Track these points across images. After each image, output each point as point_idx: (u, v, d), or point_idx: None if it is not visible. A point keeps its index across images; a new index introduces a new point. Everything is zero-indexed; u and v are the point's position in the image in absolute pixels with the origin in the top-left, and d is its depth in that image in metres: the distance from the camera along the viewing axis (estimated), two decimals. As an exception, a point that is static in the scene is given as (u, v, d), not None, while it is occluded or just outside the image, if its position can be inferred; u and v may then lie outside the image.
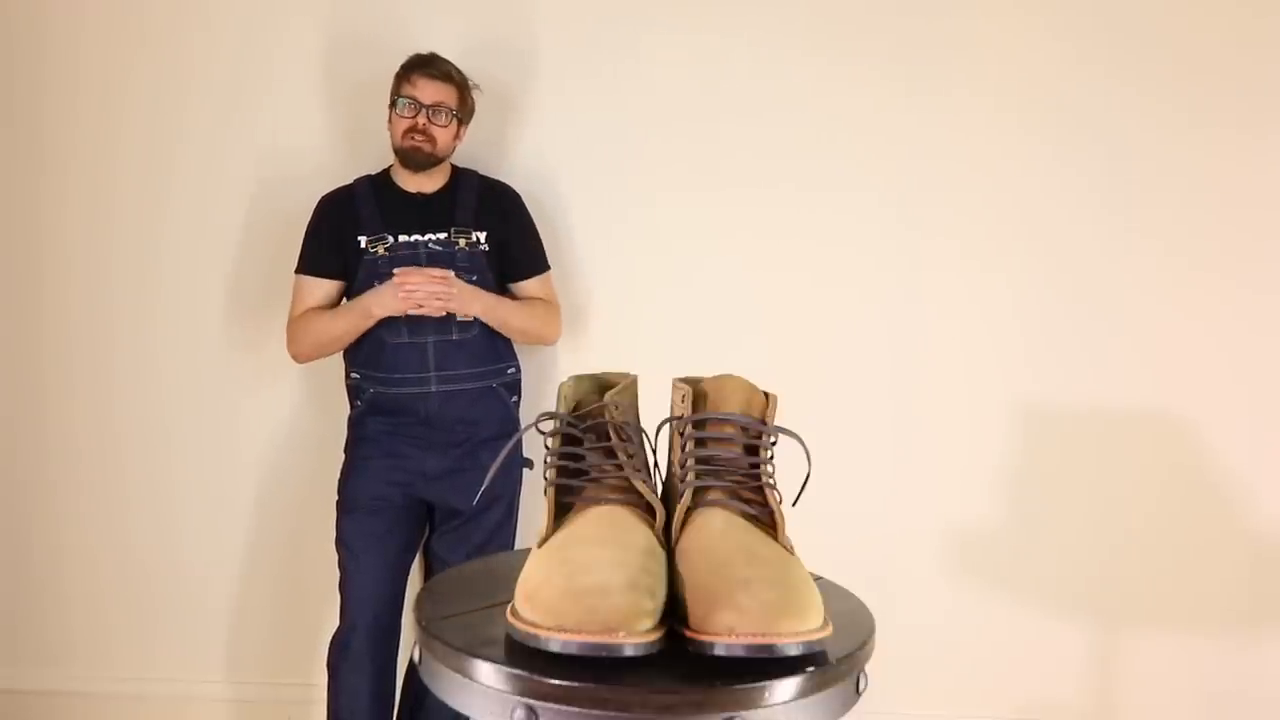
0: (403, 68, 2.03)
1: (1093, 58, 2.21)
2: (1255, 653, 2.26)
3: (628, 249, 2.29)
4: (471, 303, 1.98)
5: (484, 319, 2.01)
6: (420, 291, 1.91)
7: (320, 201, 2.09)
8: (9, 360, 2.36)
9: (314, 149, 2.28)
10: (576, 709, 0.74)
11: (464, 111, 2.07)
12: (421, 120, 1.99)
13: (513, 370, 2.11)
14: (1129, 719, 2.29)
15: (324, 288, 2.05)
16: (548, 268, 2.16)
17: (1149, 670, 2.27)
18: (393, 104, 2.02)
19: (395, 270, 1.93)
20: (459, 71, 2.05)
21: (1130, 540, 2.26)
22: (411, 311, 1.93)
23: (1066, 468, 2.26)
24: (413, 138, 1.99)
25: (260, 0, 2.27)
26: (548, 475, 0.93)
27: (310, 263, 2.06)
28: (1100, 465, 2.26)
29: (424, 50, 2.07)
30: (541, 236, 2.17)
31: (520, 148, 2.28)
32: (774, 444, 0.93)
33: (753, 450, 0.92)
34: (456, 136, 2.07)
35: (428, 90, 2.00)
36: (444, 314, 1.95)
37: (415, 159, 2.01)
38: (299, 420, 2.33)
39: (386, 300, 1.93)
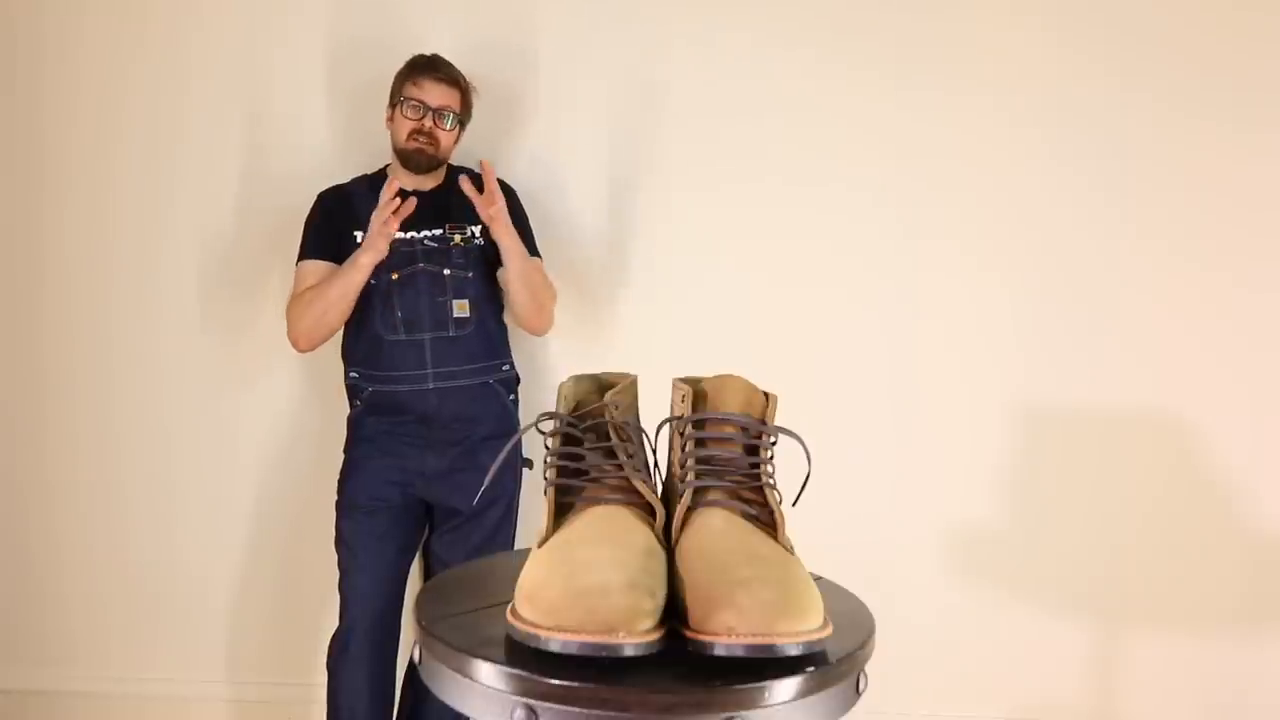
0: (407, 68, 2.03)
1: (1091, 56, 2.21)
2: (1256, 653, 2.26)
3: (628, 249, 2.29)
4: (508, 231, 1.97)
5: (513, 250, 1.98)
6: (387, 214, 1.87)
7: (318, 197, 2.09)
8: (9, 360, 2.36)
9: (313, 148, 2.28)
10: (576, 709, 0.74)
11: (466, 115, 2.08)
12: (428, 123, 1.99)
13: (508, 367, 2.11)
14: (1129, 719, 2.29)
15: (326, 271, 2.02)
16: (539, 255, 2.14)
17: (1149, 670, 2.28)
18: (395, 104, 2.02)
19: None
20: (462, 75, 2.05)
21: (1130, 540, 2.26)
22: (386, 234, 1.88)
23: (1066, 468, 2.26)
24: (417, 139, 2.00)
25: (258, 2, 2.27)
26: (548, 475, 0.93)
27: (311, 249, 2.05)
28: (1100, 465, 2.26)
29: (423, 50, 2.07)
30: (543, 236, 2.16)
31: (519, 147, 2.28)
32: (774, 444, 0.93)
33: (753, 450, 0.92)
34: (456, 139, 2.07)
35: (434, 93, 2.00)
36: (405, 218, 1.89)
37: (419, 161, 2.01)
38: (298, 420, 2.33)
39: (371, 241, 1.89)
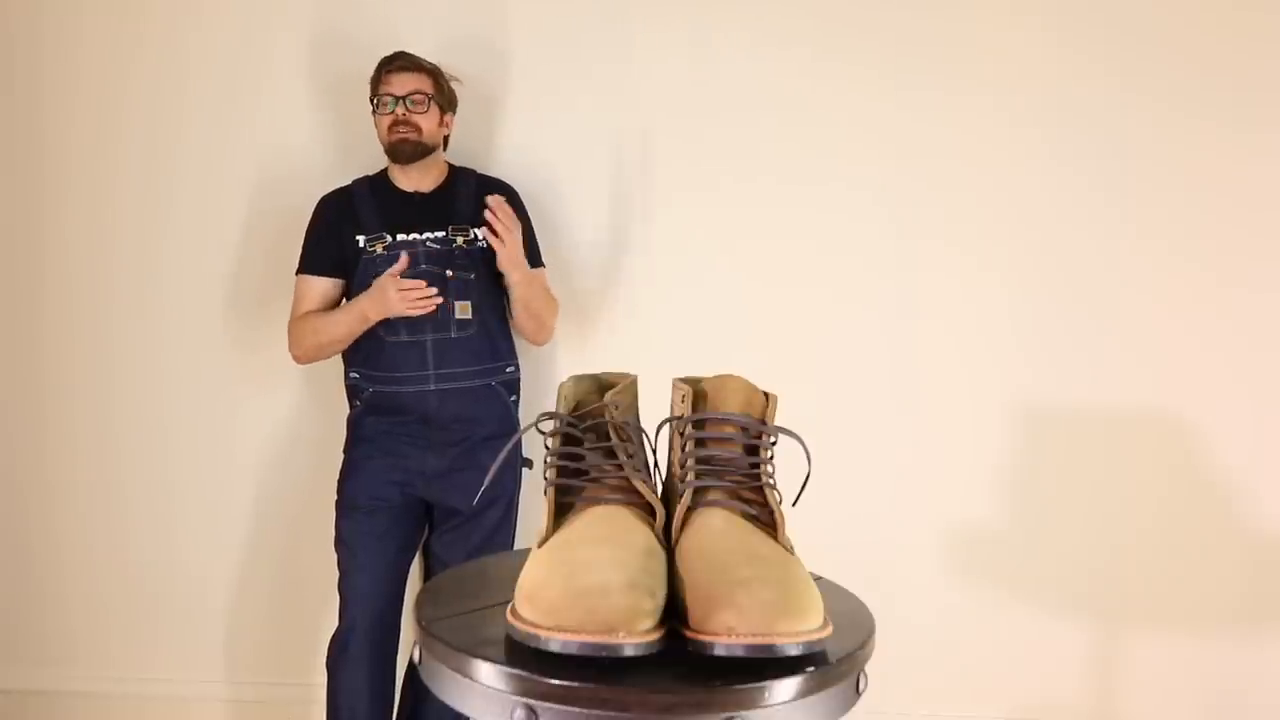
0: (374, 71, 2.06)
1: (1090, 55, 2.21)
2: (1255, 653, 2.26)
3: (628, 249, 2.29)
4: (519, 264, 1.97)
5: (522, 284, 2.00)
6: (415, 294, 1.91)
7: (319, 202, 2.09)
8: (9, 360, 2.36)
9: (313, 148, 2.28)
10: (576, 709, 0.74)
11: (443, 98, 2.08)
12: (401, 111, 2.01)
13: (511, 369, 2.11)
14: (1129, 719, 2.29)
15: (324, 286, 2.05)
16: (543, 265, 2.16)
17: (1149, 670, 2.27)
18: (374, 108, 2.04)
19: (388, 273, 1.93)
20: (429, 61, 2.07)
21: (1130, 540, 2.26)
22: (410, 313, 1.92)
23: (1067, 468, 2.26)
24: (398, 130, 2.01)
25: (257, 1, 2.27)
26: (548, 475, 0.93)
27: (310, 262, 2.06)
28: (1100, 465, 2.25)
29: (428, 52, 2.08)
30: (542, 237, 2.17)
31: (516, 147, 2.28)
32: (774, 444, 0.93)
33: (753, 450, 0.92)
34: (442, 124, 2.07)
35: (400, 82, 2.02)
36: (434, 310, 1.94)
37: (404, 151, 2.02)
38: (298, 420, 2.33)
39: (380, 304, 1.93)
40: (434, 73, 2.06)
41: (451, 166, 2.13)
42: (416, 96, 2.01)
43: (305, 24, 2.27)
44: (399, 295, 1.91)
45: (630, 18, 2.25)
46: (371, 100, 2.05)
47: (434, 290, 1.92)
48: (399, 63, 2.03)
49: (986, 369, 2.25)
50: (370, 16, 2.27)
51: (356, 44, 2.27)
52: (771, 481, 0.91)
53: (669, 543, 0.89)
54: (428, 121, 2.03)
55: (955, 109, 2.22)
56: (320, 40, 2.28)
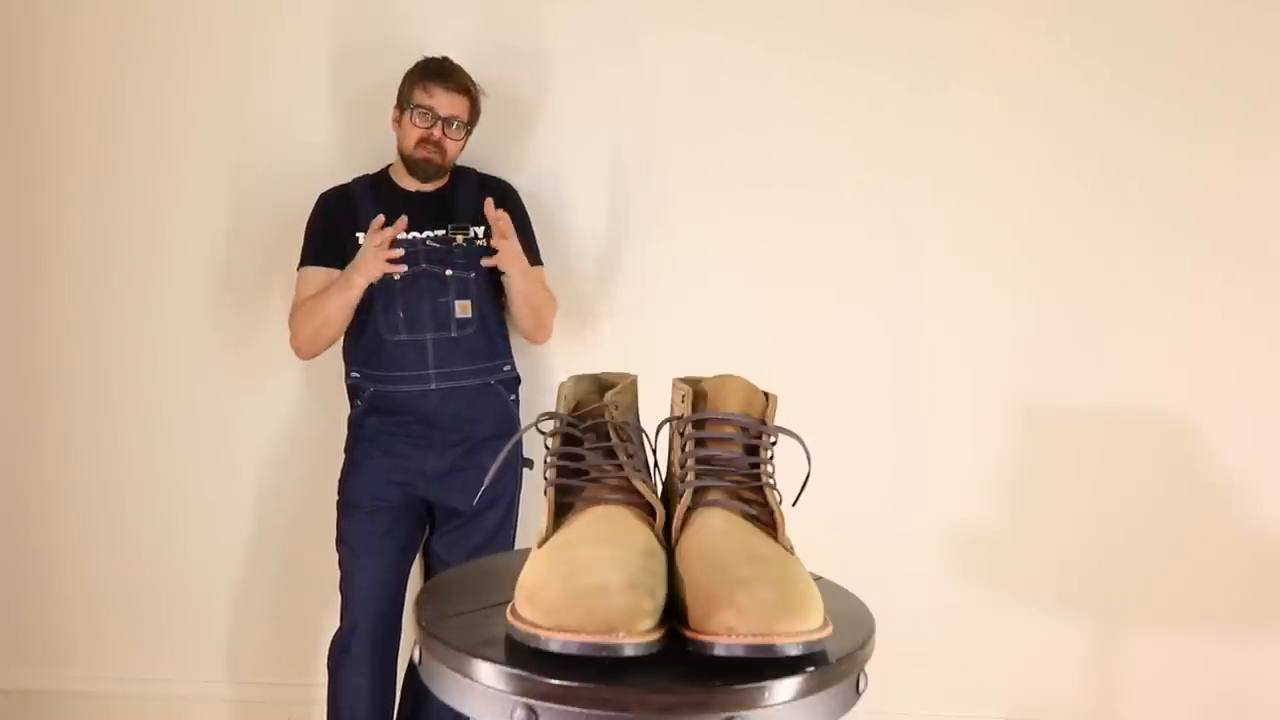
0: (419, 72, 2.02)
1: (1091, 56, 2.21)
2: (1256, 652, 2.26)
3: (629, 249, 2.29)
4: (517, 261, 1.96)
5: (521, 280, 1.99)
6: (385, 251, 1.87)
7: (320, 198, 2.09)
8: (9, 360, 2.36)
9: (314, 147, 2.28)
10: (576, 709, 0.74)
11: (473, 121, 2.08)
12: (437, 133, 1.99)
13: (509, 368, 2.11)
14: (1129, 719, 2.29)
15: (326, 278, 2.03)
16: (542, 264, 2.16)
17: (1149, 670, 2.28)
18: (403, 108, 2.02)
19: (373, 233, 1.89)
20: (472, 80, 2.05)
21: (1131, 540, 2.26)
22: (389, 272, 1.88)
23: (1067, 468, 2.26)
24: (425, 148, 1.99)
25: (257, 1, 2.26)
26: (548, 475, 0.93)
27: (311, 256, 2.05)
28: (1101, 465, 2.26)
29: (423, 50, 2.07)
30: (543, 236, 2.17)
31: (523, 148, 2.28)
32: (774, 444, 0.93)
33: (753, 450, 0.92)
34: (463, 146, 2.07)
35: (445, 102, 1.99)
36: (404, 269, 1.89)
37: (426, 170, 2.02)
38: (299, 420, 2.33)
39: (362, 265, 1.90)
40: (474, 96, 2.05)
41: (453, 166, 2.13)
42: (455, 121, 2.00)
43: (304, 24, 2.27)
44: (374, 252, 1.87)
45: (636, 20, 2.25)
46: (403, 102, 2.02)
47: (401, 252, 1.88)
48: (450, 82, 2.00)
49: (987, 369, 2.25)
50: (371, 16, 2.27)
51: (356, 43, 2.27)
52: (771, 481, 0.91)
53: (669, 543, 0.89)
54: (455, 147, 2.03)
55: (955, 110, 2.22)
56: (320, 39, 2.27)
